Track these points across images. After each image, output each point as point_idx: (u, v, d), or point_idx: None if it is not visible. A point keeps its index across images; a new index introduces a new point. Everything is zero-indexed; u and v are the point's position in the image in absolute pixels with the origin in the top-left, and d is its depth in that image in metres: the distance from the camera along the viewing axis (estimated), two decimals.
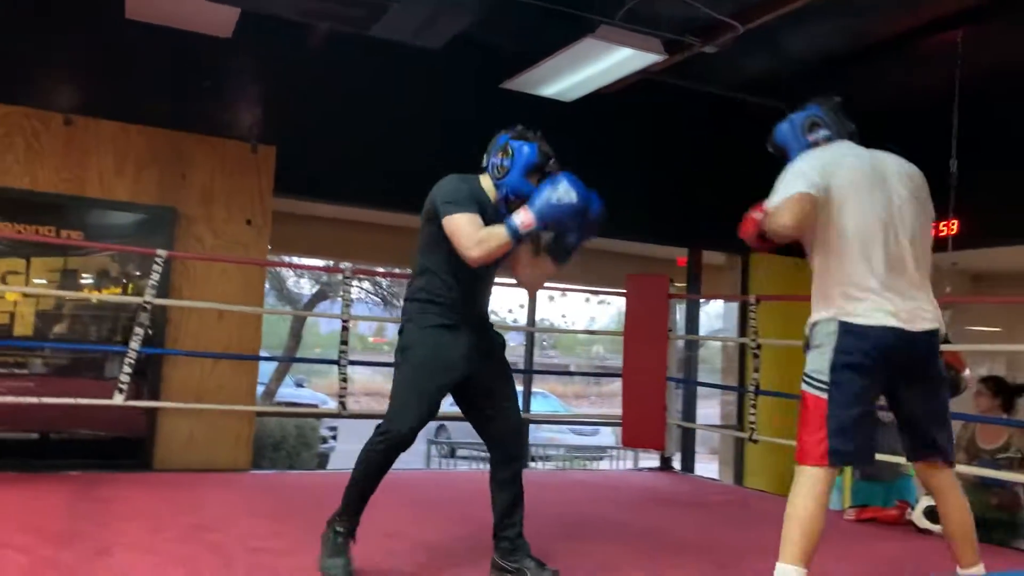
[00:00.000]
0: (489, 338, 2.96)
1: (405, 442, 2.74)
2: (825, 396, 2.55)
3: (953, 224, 6.03)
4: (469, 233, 2.73)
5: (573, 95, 5.84)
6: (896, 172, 2.75)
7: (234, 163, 5.54)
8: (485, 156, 3.01)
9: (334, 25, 5.29)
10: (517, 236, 2.71)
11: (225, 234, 5.48)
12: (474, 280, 2.88)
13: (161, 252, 4.59)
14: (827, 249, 2.63)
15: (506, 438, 2.92)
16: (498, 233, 2.71)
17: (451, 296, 2.85)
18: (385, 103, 6.10)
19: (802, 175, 2.59)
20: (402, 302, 2.93)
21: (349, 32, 5.24)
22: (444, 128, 6.27)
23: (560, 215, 2.70)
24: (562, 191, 2.68)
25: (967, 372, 4.79)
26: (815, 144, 2.78)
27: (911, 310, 2.61)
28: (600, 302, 22.19)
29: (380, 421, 2.80)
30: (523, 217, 2.69)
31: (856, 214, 2.60)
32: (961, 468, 4.17)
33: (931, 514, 4.08)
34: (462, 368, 2.82)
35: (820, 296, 2.66)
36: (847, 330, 2.55)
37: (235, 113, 5.71)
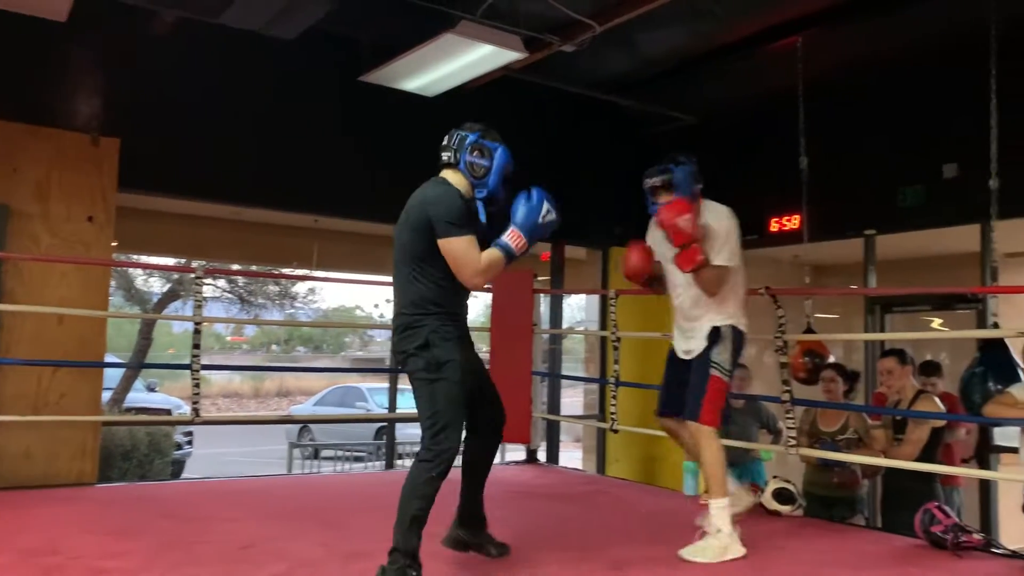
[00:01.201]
0: (470, 337, 3.18)
1: (455, 456, 2.90)
2: (728, 380, 3.49)
3: (796, 218, 6.38)
4: (474, 260, 2.89)
5: (435, 90, 5.79)
6: None
7: (73, 156, 5.17)
8: (451, 152, 3.08)
9: (181, 11, 5.04)
10: (512, 259, 2.94)
11: (64, 232, 5.11)
12: (467, 289, 3.04)
13: None
14: (734, 281, 3.53)
15: (487, 426, 3.20)
16: (497, 259, 2.91)
17: (457, 306, 3.02)
18: (238, 94, 5.86)
19: (736, 248, 3.50)
20: (404, 308, 2.98)
21: (198, 20, 5.00)
22: (301, 121, 6.09)
23: (544, 232, 2.98)
24: (545, 211, 2.95)
25: (831, 358, 5.10)
26: (695, 194, 3.54)
27: None
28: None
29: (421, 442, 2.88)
30: (516, 241, 2.92)
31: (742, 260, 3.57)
32: (804, 451, 4.43)
33: (779, 495, 4.31)
34: (472, 371, 3.07)
35: (722, 310, 3.52)
36: (740, 336, 3.54)
37: (73, 103, 5.33)
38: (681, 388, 3.60)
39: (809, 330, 5.45)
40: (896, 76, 6.17)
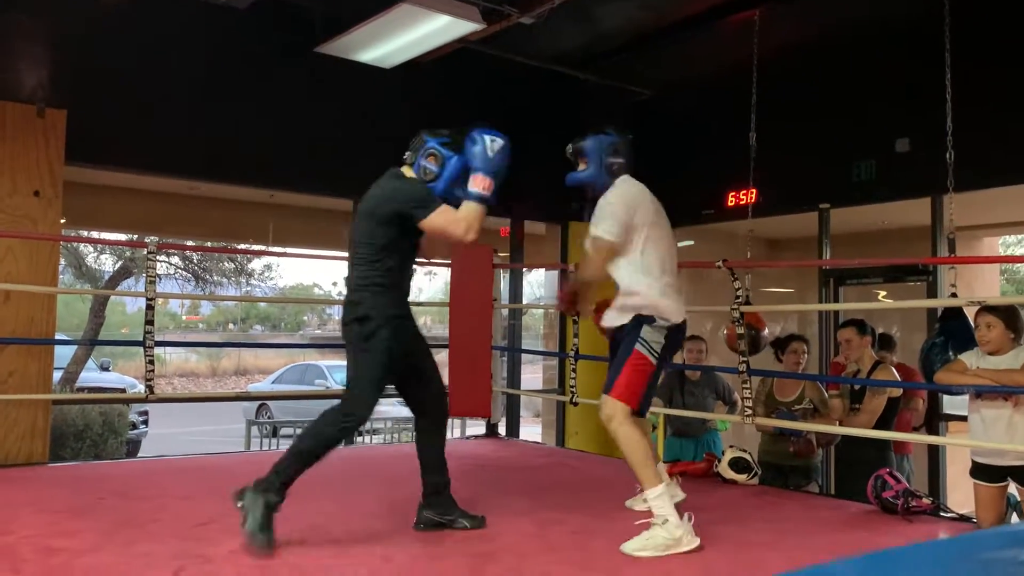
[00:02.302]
0: (414, 319, 3.30)
1: (361, 425, 3.18)
2: (654, 365, 3.17)
3: (752, 193, 6.43)
4: (456, 221, 3.02)
5: (391, 62, 5.71)
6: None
7: (17, 128, 5.00)
8: (410, 153, 3.21)
9: None
10: (486, 202, 3.04)
11: (9, 207, 4.96)
12: (411, 270, 3.23)
13: None
14: (638, 265, 3.23)
15: (431, 405, 3.31)
16: (476, 209, 3.03)
17: (402, 287, 3.18)
18: (190, 65, 5.72)
19: (619, 221, 3.19)
20: (352, 285, 3.16)
21: None
22: (256, 92, 5.97)
23: (502, 163, 3.05)
24: (489, 142, 3.02)
25: (766, 331, 5.14)
26: (611, 167, 3.30)
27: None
28: (427, 273, 22.12)
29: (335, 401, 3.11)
30: (483, 184, 3.02)
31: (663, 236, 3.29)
32: (760, 420, 4.49)
33: (735, 465, 4.37)
34: (407, 353, 3.18)
35: (631, 300, 3.24)
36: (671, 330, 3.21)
37: (16, 73, 5.15)
38: None
39: (747, 303, 5.51)
40: (850, 49, 6.23)
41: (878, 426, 4.37)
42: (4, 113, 4.97)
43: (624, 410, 3.11)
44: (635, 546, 2.94)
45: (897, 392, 4.50)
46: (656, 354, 3.16)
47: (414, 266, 3.30)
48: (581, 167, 3.37)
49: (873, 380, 4.44)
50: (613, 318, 3.30)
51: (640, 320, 3.19)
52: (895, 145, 5.94)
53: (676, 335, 3.27)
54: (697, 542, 2.97)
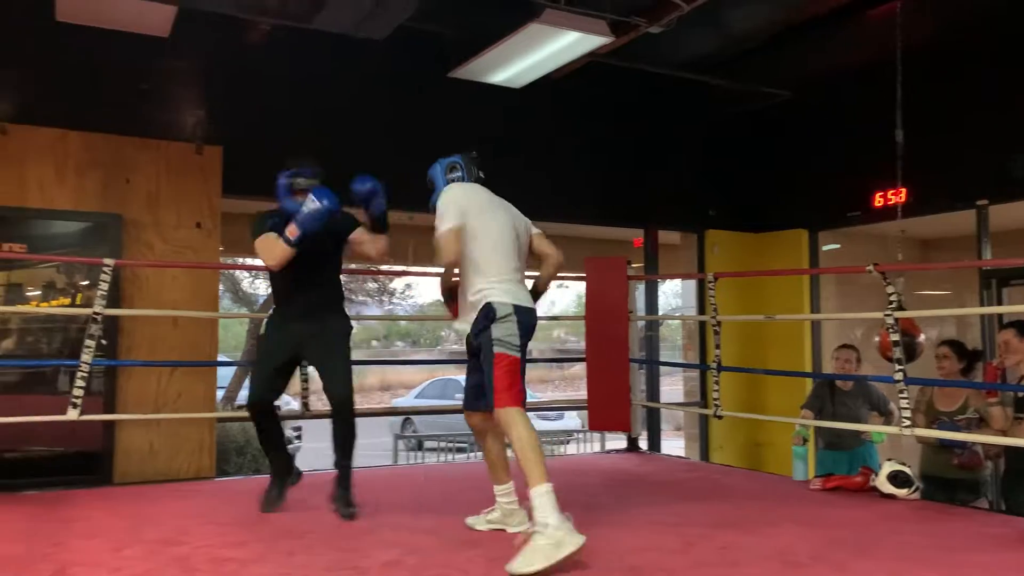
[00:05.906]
0: (318, 321, 3.77)
1: (253, 408, 3.81)
2: (517, 356, 3.26)
3: (901, 192, 6.13)
4: (264, 249, 3.71)
5: (522, 81, 5.80)
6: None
7: (179, 165, 5.41)
8: None
9: (274, 19, 5.19)
10: (291, 243, 3.60)
11: (174, 239, 5.36)
12: (303, 279, 3.77)
13: (108, 261, 4.45)
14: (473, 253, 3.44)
15: (331, 403, 3.76)
16: (280, 246, 3.63)
17: (285, 295, 3.87)
18: (333, 97, 6.01)
19: (454, 215, 3.44)
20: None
21: (291, 26, 5.14)
22: (394, 119, 6.20)
23: (311, 222, 3.60)
24: (309, 203, 3.61)
25: (922, 337, 4.86)
26: (450, 182, 3.64)
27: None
28: (559, 286, 22.19)
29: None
30: (290, 229, 3.60)
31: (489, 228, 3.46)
32: (918, 431, 4.24)
33: (895, 479, 4.15)
34: (289, 350, 3.79)
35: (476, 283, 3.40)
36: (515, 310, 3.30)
37: (177, 114, 5.57)
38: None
39: (900, 308, 5.23)
40: (1003, 36, 5.84)
41: None
42: (168, 152, 5.38)
43: (516, 411, 3.17)
44: (523, 562, 2.75)
45: None
46: (515, 346, 3.26)
47: (303, 275, 3.75)
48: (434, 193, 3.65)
49: None
50: (463, 322, 3.44)
51: (487, 318, 3.28)
52: None
53: (524, 317, 3.33)
54: (581, 540, 2.82)
